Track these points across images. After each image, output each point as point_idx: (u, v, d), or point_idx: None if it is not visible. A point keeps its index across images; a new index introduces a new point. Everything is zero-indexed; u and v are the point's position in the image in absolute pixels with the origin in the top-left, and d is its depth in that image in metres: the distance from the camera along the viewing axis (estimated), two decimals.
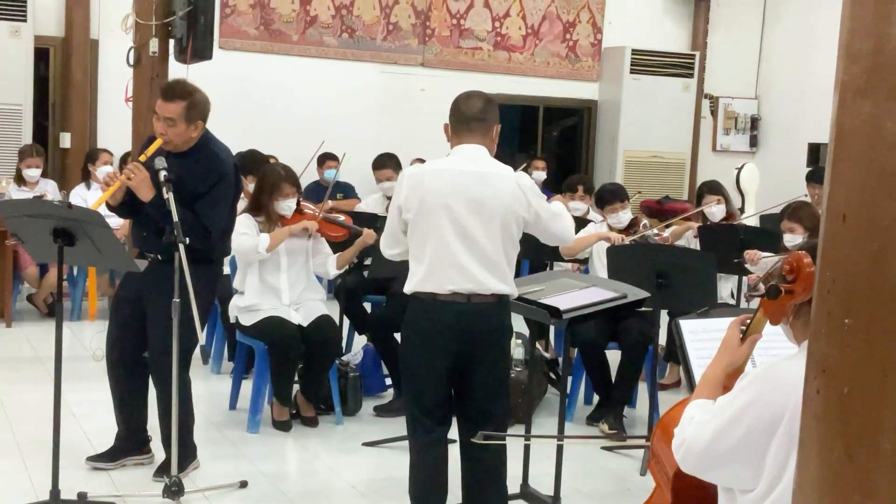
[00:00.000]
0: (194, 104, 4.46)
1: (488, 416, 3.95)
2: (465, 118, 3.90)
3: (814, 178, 8.71)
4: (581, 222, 6.79)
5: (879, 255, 1.50)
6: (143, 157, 4.43)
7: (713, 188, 7.12)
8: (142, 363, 4.62)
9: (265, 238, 5.39)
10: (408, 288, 3.89)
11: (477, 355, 3.87)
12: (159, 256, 4.45)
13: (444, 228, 3.79)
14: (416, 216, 3.83)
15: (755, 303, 2.43)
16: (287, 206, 5.54)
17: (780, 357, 2.36)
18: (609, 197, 6.36)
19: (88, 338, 7.26)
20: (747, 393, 2.25)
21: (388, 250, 4.03)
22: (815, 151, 11.07)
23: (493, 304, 3.83)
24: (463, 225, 3.79)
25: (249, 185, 6.27)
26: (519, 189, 3.85)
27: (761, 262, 5.85)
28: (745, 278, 6.52)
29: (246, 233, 5.34)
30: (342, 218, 6.07)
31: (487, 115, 3.92)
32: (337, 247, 5.84)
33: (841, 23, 1.56)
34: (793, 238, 5.65)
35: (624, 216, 6.30)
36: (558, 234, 4.06)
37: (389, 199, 7.42)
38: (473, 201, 3.79)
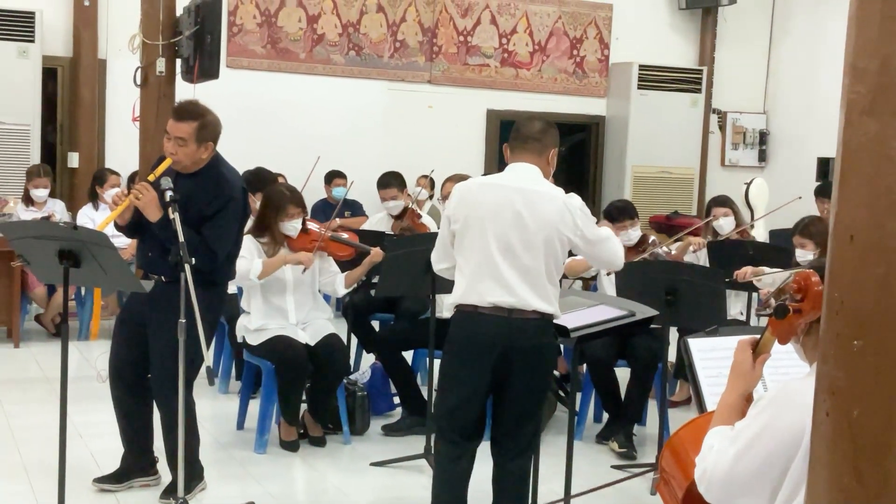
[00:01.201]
0: (205, 125, 4.46)
1: (516, 434, 3.96)
2: (523, 136, 3.98)
3: (823, 192, 8.68)
4: None
5: (887, 275, 1.48)
6: (151, 177, 4.42)
7: (721, 202, 7.08)
8: (145, 384, 4.61)
9: (258, 265, 5.37)
10: (451, 300, 3.96)
11: (513, 372, 3.89)
12: (163, 278, 4.44)
13: (488, 241, 3.84)
14: (463, 228, 3.89)
15: (766, 321, 2.40)
16: (292, 226, 5.53)
17: (793, 377, 2.33)
18: (618, 214, 6.32)
19: (95, 358, 7.26)
20: (764, 416, 2.22)
21: (438, 264, 4.12)
22: (824, 166, 11.04)
23: (533, 321, 3.86)
24: (507, 240, 3.83)
25: (256, 203, 6.26)
26: (566, 209, 3.88)
27: (766, 277, 5.80)
28: (755, 294, 6.48)
29: (244, 256, 5.31)
30: (349, 237, 6.06)
31: (545, 136, 3.99)
32: (344, 265, 5.83)
33: (846, 42, 1.55)
34: (804, 254, 5.61)
35: (633, 233, 6.27)
36: (606, 258, 4.08)
37: (394, 217, 7.52)
38: (518, 217, 3.83)
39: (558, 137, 4.07)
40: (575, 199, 3.94)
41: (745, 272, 5.85)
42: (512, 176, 3.94)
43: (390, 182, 7.63)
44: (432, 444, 4.12)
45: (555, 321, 3.97)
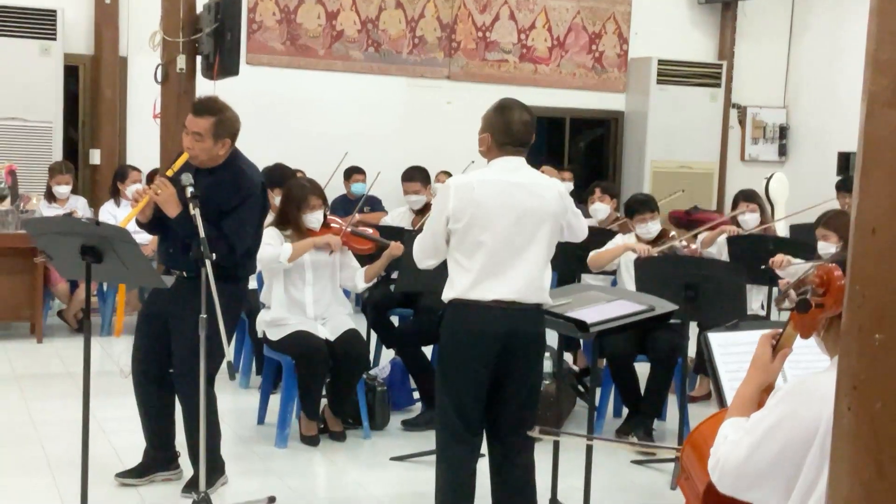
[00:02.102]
0: (223, 121, 4.48)
1: (519, 426, 3.96)
2: (518, 142, 3.94)
3: (844, 187, 8.63)
4: (608, 234, 6.75)
5: None
6: (169, 172, 4.45)
7: (749, 196, 7.05)
8: (168, 379, 4.64)
9: (287, 248, 5.39)
10: (449, 295, 3.92)
11: (515, 362, 3.91)
12: (185, 273, 4.46)
13: (494, 239, 3.84)
14: (466, 227, 3.86)
15: (786, 314, 2.40)
16: (315, 218, 5.55)
17: (812, 371, 2.32)
18: (639, 207, 6.31)
19: (118, 353, 7.31)
20: (780, 409, 2.22)
21: (426, 260, 4.06)
22: (844, 160, 10.98)
23: (532, 311, 3.91)
24: (511, 237, 3.85)
25: (276, 199, 6.28)
26: (561, 197, 3.97)
27: (791, 268, 5.77)
28: (776, 288, 6.45)
29: (269, 243, 5.34)
30: (370, 231, 6.07)
31: (534, 133, 4.02)
32: (364, 260, 5.84)
33: (868, 33, 1.54)
34: (826, 246, 5.59)
35: (653, 227, 6.25)
36: (579, 234, 4.17)
37: (415, 212, 7.53)
38: (521, 212, 3.86)
39: None
40: (562, 186, 4.09)
41: (780, 260, 5.82)
42: (506, 169, 3.92)
43: (415, 176, 7.64)
44: (438, 444, 4.06)
45: (573, 315, 3.99)
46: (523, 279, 3.85)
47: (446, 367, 3.99)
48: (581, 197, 9.75)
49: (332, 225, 5.72)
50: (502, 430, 4.01)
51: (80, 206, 8.41)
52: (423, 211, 7.47)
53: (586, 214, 7.40)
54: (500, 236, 3.84)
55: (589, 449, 4.25)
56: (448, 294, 3.93)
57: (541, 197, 3.90)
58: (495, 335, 3.86)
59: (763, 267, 5.85)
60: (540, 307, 3.94)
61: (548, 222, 3.90)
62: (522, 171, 3.94)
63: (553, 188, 3.97)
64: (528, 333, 3.92)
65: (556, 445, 4.37)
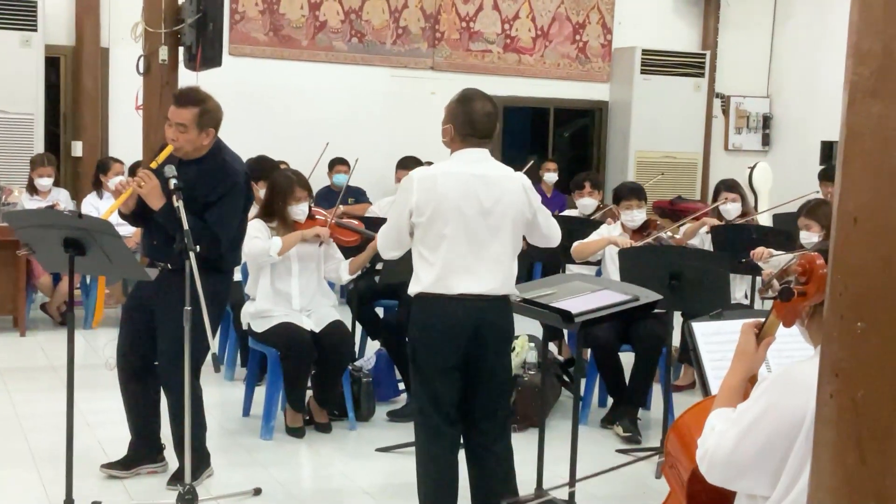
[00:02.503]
0: (206, 111, 4.47)
1: (493, 415, 4.00)
2: (481, 133, 3.95)
3: (827, 176, 8.67)
4: (592, 224, 6.76)
5: (891, 257, 1.49)
6: (153, 164, 4.43)
7: (730, 186, 7.08)
8: (153, 372, 4.63)
9: (277, 241, 5.39)
10: (415, 289, 3.95)
11: (484, 353, 3.94)
12: (169, 265, 4.45)
13: (457, 232, 3.85)
14: (429, 220, 3.86)
15: (769, 303, 2.41)
16: (300, 210, 5.54)
17: (796, 360, 2.34)
18: (627, 193, 6.32)
19: (102, 346, 7.28)
20: (766, 398, 2.23)
21: (390, 251, 4.11)
22: (828, 149, 11.02)
23: (499, 301, 3.94)
24: (475, 229, 3.86)
25: (260, 191, 6.27)
26: (523, 189, 3.98)
27: (773, 259, 5.80)
28: (759, 278, 6.48)
29: (257, 237, 5.34)
30: (355, 223, 6.07)
31: (497, 125, 4.02)
32: (349, 252, 5.83)
33: (849, 24, 1.55)
34: (809, 235, 5.62)
35: (638, 215, 6.26)
36: (549, 235, 4.14)
37: None
38: (485, 205, 3.87)
39: None
40: (527, 179, 4.06)
41: (760, 252, 5.86)
42: (468, 163, 3.91)
43: (409, 165, 7.65)
44: (417, 439, 4.09)
45: (558, 306, 4.00)
46: (489, 272, 3.87)
47: (418, 362, 4.01)
48: (566, 187, 9.79)
49: (317, 217, 5.71)
50: (476, 420, 4.05)
51: (62, 199, 8.37)
52: None
53: (572, 206, 7.41)
54: (464, 229, 3.84)
55: (574, 437, 4.26)
56: (414, 288, 3.95)
57: (502, 189, 3.90)
58: (462, 327, 3.88)
59: (744, 260, 5.87)
60: (506, 298, 3.97)
61: (511, 215, 3.91)
62: (486, 163, 3.94)
63: (517, 181, 3.98)
64: (494, 325, 3.94)
65: (542, 434, 4.38)
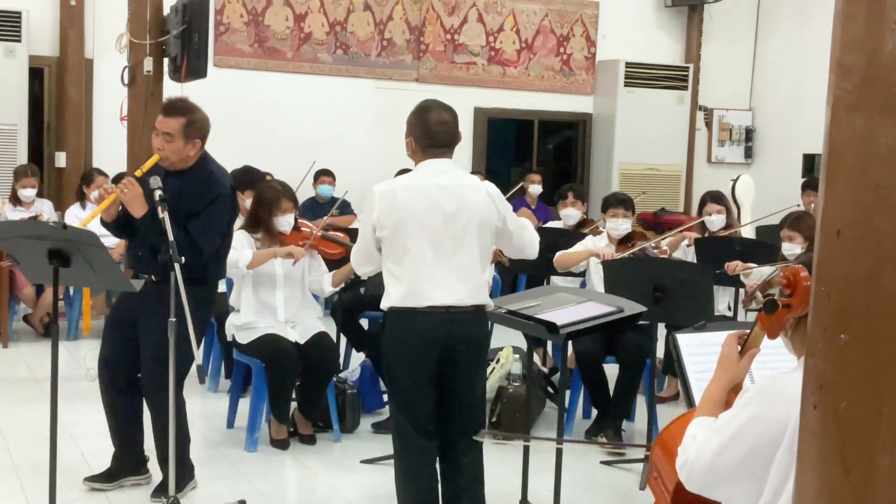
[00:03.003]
0: (193, 121, 4.47)
1: (464, 429, 4.01)
2: (440, 143, 3.95)
3: (810, 185, 8.72)
4: (576, 235, 6.78)
5: (874, 270, 1.50)
6: (138, 172, 4.42)
7: (716, 198, 7.12)
8: (136, 384, 4.61)
9: (247, 255, 5.37)
10: (385, 304, 3.96)
11: (457, 365, 3.95)
12: (153, 277, 4.44)
13: (421, 245, 3.85)
14: (392, 234, 3.87)
15: (753, 315, 2.43)
16: (286, 221, 5.54)
17: (780, 371, 2.35)
18: (614, 202, 6.35)
19: (83, 356, 7.25)
20: (749, 409, 2.24)
21: (362, 268, 4.13)
22: (809, 162, 11.10)
23: (471, 313, 3.93)
24: (439, 241, 3.86)
25: (246, 201, 6.26)
26: (489, 197, 3.95)
27: (755, 271, 5.83)
28: (742, 290, 6.51)
29: (234, 247, 5.32)
30: (340, 236, 6.06)
31: (457, 132, 4.00)
32: (333, 264, 5.83)
33: (832, 38, 1.56)
34: (791, 247, 5.65)
35: (623, 224, 6.28)
36: (523, 246, 4.12)
37: None
38: (447, 216, 3.86)
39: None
40: (493, 187, 4.03)
41: (735, 265, 5.90)
42: (430, 174, 3.92)
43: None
44: (396, 453, 4.10)
45: (543, 317, 4.00)
46: (457, 282, 3.86)
47: (392, 376, 4.02)
48: (550, 199, 9.81)
49: (302, 229, 5.71)
50: (450, 433, 4.05)
51: (45, 210, 8.34)
52: None
53: (556, 217, 7.43)
54: (427, 241, 3.84)
55: (559, 450, 4.27)
56: (384, 303, 3.95)
57: (465, 199, 3.89)
58: (434, 341, 3.88)
59: (718, 272, 5.87)
60: (480, 309, 3.95)
61: (476, 223, 3.88)
62: (448, 173, 3.94)
63: (480, 189, 3.96)
64: (467, 338, 3.93)
65: (527, 446, 4.38)
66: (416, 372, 3.93)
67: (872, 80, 1.50)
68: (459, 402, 4.01)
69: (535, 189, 10.13)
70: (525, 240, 4.10)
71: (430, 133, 3.92)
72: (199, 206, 4.45)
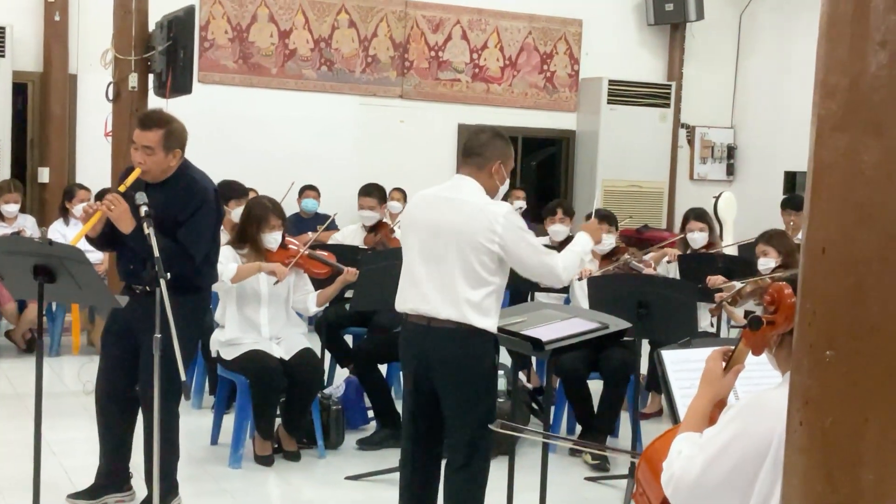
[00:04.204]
0: (172, 132, 4.47)
1: (451, 449, 4.05)
2: (464, 149, 4.10)
3: (789, 204, 8.77)
4: (560, 247, 6.79)
5: (858, 287, 1.52)
6: (122, 188, 4.41)
7: (699, 215, 7.16)
8: (133, 399, 4.58)
9: (231, 268, 5.37)
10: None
11: (436, 383, 3.99)
12: (147, 288, 4.42)
13: (414, 250, 3.98)
14: (402, 236, 4.16)
15: (736, 332, 2.45)
16: (273, 238, 5.54)
17: (765, 388, 2.37)
18: (598, 218, 6.37)
19: (68, 374, 7.22)
20: (734, 425, 2.26)
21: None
22: (791, 179, 11.17)
23: (451, 331, 3.90)
24: (429, 248, 3.94)
25: (230, 212, 6.26)
26: (484, 215, 3.88)
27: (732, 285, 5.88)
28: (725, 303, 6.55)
29: (221, 261, 5.31)
30: (325, 255, 6.06)
31: (486, 149, 4.01)
32: (318, 283, 5.84)
33: (817, 59, 1.59)
34: (766, 261, 5.74)
35: (607, 240, 6.33)
36: (535, 270, 4.01)
37: (367, 229, 7.53)
38: (437, 226, 3.94)
39: (506, 149, 4.06)
40: (499, 207, 3.94)
41: (716, 279, 5.96)
42: (446, 187, 4.06)
43: (372, 192, 7.66)
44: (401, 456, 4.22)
45: (528, 333, 4.01)
46: (435, 293, 3.90)
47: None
48: (534, 215, 9.84)
49: (289, 247, 5.71)
50: (446, 446, 4.12)
51: (28, 226, 8.30)
52: (375, 228, 7.47)
53: (543, 233, 7.45)
54: (419, 246, 3.96)
55: (544, 465, 4.27)
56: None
57: (457, 212, 3.92)
58: (414, 354, 4.01)
59: (700, 286, 5.91)
60: (463, 327, 3.88)
61: (464, 240, 3.87)
62: (461, 189, 3.98)
63: (474, 205, 3.90)
64: (444, 358, 3.92)
65: (512, 462, 4.39)
66: (405, 375, 4.13)
67: (856, 100, 1.52)
68: (446, 421, 4.03)
69: (519, 206, 10.15)
70: (537, 264, 3.96)
71: (464, 143, 4.13)
72: (186, 215, 4.45)
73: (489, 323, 3.91)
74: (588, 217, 6.15)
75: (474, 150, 4.01)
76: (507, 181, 4.10)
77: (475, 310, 3.87)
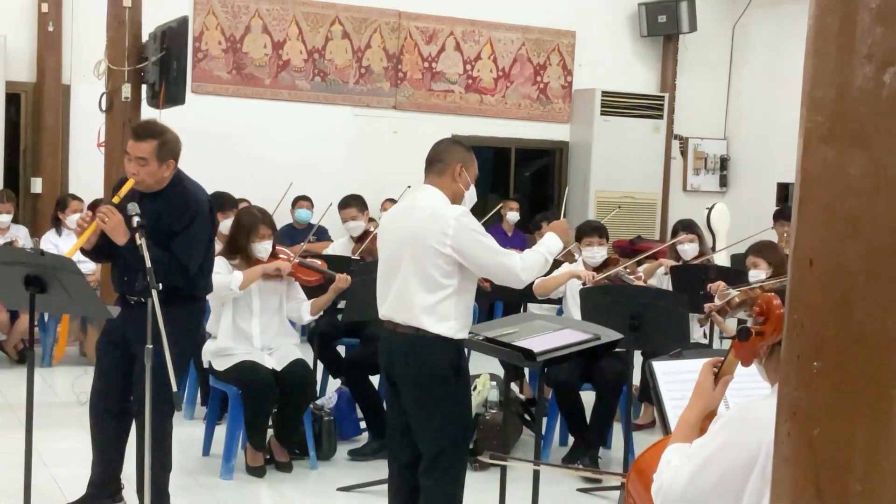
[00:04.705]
0: (165, 143, 4.47)
1: (425, 454, 4.05)
2: (426, 160, 4.14)
3: (782, 216, 8.80)
4: (553, 263, 6.80)
5: (846, 298, 1.53)
6: (116, 199, 4.41)
7: (688, 226, 7.18)
8: (126, 410, 4.57)
9: (238, 276, 5.38)
10: None
11: (400, 388, 4.05)
12: (143, 299, 4.41)
13: (382, 259, 4.11)
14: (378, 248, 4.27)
15: (728, 343, 2.46)
16: (264, 247, 5.54)
17: (754, 398, 2.38)
18: (589, 231, 6.42)
19: (60, 384, 7.21)
20: (722, 435, 2.27)
21: None
22: (784, 190, 11.20)
23: (409, 337, 3.96)
24: (391, 257, 4.05)
25: (221, 222, 6.25)
26: (435, 220, 3.90)
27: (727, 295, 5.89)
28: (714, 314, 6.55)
29: (219, 272, 5.31)
30: (318, 263, 6.06)
31: (446, 155, 4.08)
32: (311, 291, 5.83)
33: (804, 72, 1.60)
34: (757, 273, 5.74)
35: (598, 253, 6.34)
36: (492, 270, 3.99)
37: (355, 239, 7.53)
38: (396, 235, 4.04)
39: (465, 154, 4.10)
40: (451, 210, 3.94)
41: (717, 286, 5.95)
42: (411, 197, 4.19)
43: (349, 203, 7.66)
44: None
45: (520, 344, 4.01)
46: (395, 297, 4.00)
47: None
48: (527, 226, 9.86)
49: (280, 256, 5.71)
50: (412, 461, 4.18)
51: (21, 236, 8.29)
52: (363, 238, 7.46)
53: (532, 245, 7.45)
54: (385, 255, 4.09)
55: (536, 477, 4.27)
56: None
57: (410, 220, 4.02)
58: (384, 361, 4.11)
59: (702, 293, 5.94)
60: (422, 333, 3.90)
61: (418, 244, 3.93)
62: (420, 197, 4.06)
63: (425, 210, 3.94)
64: (404, 360, 4.00)
65: (504, 474, 4.38)
66: (384, 378, 4.21)
67: (843, 112, 1.53)
68: (412, 425, 4.08)
69: (513, 216, 10.17)
70: (496, 265, 3.95)
71: (425, 160, 4.15)
72: (180, 225, 4.45)
73: (447, 327, 3.91)
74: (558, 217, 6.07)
75: (435, 157, 4.09)
76: (473, 187, 4.13)
77: (430, 315, 3.90)
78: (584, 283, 6.04)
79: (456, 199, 4.03)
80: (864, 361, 1.53)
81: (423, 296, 3.91)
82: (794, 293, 1.61)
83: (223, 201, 7.20)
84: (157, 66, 7.14)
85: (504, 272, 3.99)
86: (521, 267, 3.99)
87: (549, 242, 4.20)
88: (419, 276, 3.92)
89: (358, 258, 7.03)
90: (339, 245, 7.87)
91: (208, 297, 5.34)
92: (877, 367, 1.52)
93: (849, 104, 1.52)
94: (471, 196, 4.12)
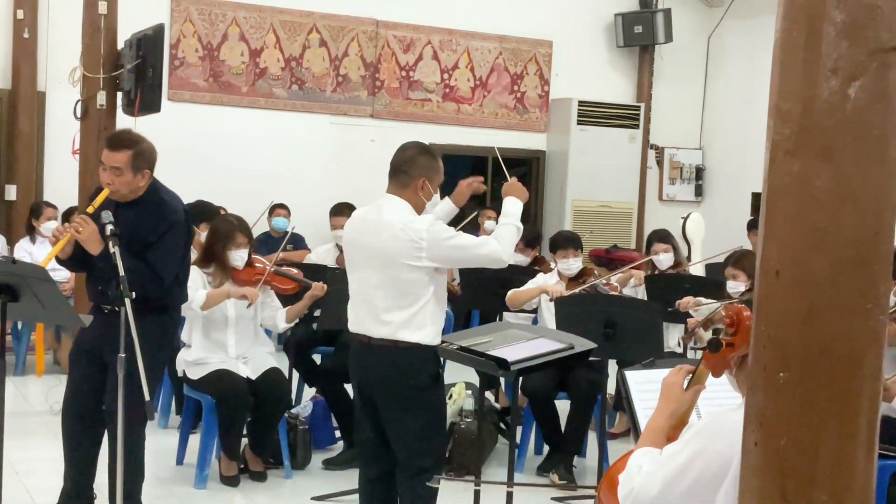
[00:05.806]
0: (141, 152, 4.45)
1: (401, 464, 4.07)
2: (390, 166, 4.13)
3: (756, 225, 8.83)
4: (528, 273, 6.82)
5: (811, 310, 1.55)
6: (90, 209, 4.39)
7: (662, 237, 7.20)
8: (99, 419, 4.54)
9: (201, 295, 5.34)
10: None
11: (376, 399, 4.06)
12: (116, 308, 4.39)
13: (350, 272, 4.12)
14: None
15: (701, 352, 2.47)
16: (240, 256, 5.52)
17: (726, 408, 2.39)
18: (563, 242, 6.45)
19: (33, 393, 7.15)
20: (694, 444, 2.28)
21: None
22: (758, 200, 11.21)
23: (387, 349, 3.99)
24: (358, 271, 4.06)
25: (200, 234, 6.23)
26: (406, 237, 3.94)
27: (703, 307, 5.91)
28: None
29: (189, 286, 5.29)
30: (293, 271, 6.05)
31: (411, 168, 4.07)
32: (286, 300, 5.82)
33: (770, 86, 1.62)
34: (736, 285, 5.74)
35: (574, 264, 6.37)
36: (476, 264, 4.25)
37: (340, 249, 7.53)
38: (363, 249, 4.04)
39: (432, 164, 4.10)
40: (420, 223, 3.95)
41: (686, 301, 5.98)
42: (371, 208, 4.13)
43: (343, 211, 7.67)
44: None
45: (494, 353, 4.02)
46: (362, 309, 4.03)
47: None
48: None
49: (255, 264, 5.69)
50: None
51: None
52: None
53: None
54: (352, 270, 4.11)
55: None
56: None
57: (378, 234, 4.01)
58: (353, 368, 4.12)
59: (670, 309, 5.95)
60: (399, 345, 3.96)
61: (380, 259, 3.97)
62: (383, 209, 4.04)
63: (394, 226, 3.94)
64: (378, 371, 4.01)
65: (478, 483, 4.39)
66: (356, 392, 4.19)
67: (808, 126, 1.55)
68: (388, 435, 4.09)
69: (490, 225, 10.16)
70: (476, 258, 4.11)
71: (389, 165, 4.13)
72: (155, 236, 4.44)
73: (424, 335, 3.99)
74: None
75: (399, 167, 4.08)
76: (436, 195, 4.19)
77: (406, 327, 3.97)
78: (551, 299, 6.07)
79: (417, 210, 4.08)
80: (830, 373, 1.54)
81: (398, 312, 3.96)
82: (760, 304, 1.63)
83: (204, 210, 7.17)
84: (132, 73, 7.11)
85: (487, 261, 4.14)
86: (497, 248, 4.10)
87: (512, 209, 4.27)
88: (395, 294, 3.95)
89: (338, 268, 7.02)
90: (324, 252, 7.87)
91: (182, 309, 5.33)
92: (842, 378, 1.54)
93: (814, 117, 1.54)
94: (432, 206, 4.22)
